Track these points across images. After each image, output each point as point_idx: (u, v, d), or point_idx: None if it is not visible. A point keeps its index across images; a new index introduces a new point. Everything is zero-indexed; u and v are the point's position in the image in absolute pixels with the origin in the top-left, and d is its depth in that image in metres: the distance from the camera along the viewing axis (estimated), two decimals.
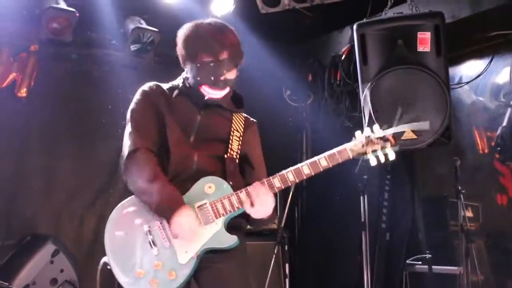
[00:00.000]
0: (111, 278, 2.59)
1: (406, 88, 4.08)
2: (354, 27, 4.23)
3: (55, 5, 4.70)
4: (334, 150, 2.57)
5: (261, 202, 2.53)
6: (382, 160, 2.57)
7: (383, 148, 2.55)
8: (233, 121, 2.81)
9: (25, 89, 4.99)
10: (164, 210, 2.52)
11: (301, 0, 4.88)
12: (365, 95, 4.08)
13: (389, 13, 4.38)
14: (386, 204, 5.44)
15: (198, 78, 2.67)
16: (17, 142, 5.04)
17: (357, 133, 2.59)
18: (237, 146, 2.74)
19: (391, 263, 5.34)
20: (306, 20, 5.68)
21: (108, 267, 2.59)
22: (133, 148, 2.64)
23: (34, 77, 5.04)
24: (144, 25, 5.11)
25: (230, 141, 2.74)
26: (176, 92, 2.78)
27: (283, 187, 2.59)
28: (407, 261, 5.05)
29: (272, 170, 2.98)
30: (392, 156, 2.57)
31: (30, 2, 4.83)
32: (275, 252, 4.98)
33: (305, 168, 2.56)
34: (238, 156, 2.74)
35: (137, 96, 2.80)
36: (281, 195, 5.30)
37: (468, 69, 5.27)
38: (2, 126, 4.88)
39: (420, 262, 4.87)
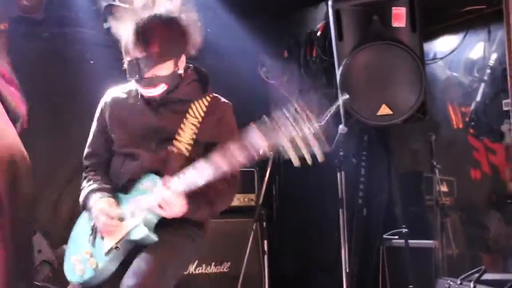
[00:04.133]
0: None
1: (381, 64, 4.10)
2: (329, 3, 4.22)
3: None
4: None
5: (167, 207, 2.51)
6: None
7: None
8: (190, 109, 2.72)
9: None
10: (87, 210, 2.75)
11: None
12: None
13: None
14: (363, 180, 5.48)
15: (128, 77, 2.66)
16: None
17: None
18: (189, 137, 2.66)
19: (368, 238, 5.40)
20: None
21: None
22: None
23: (4, 56, 4.94)
24: (117, 2, 5.02)
25: (178, 133, 2.66)
26: (129, 93, 2.83)
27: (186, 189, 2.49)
28: (384, 236, 5.11)
29: None
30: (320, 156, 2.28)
31: None
32: (253, 229, 4.99)
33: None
34: (188, 151, 2.65)
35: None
36: (258, 173, 5.31)
37: (442, 45, 5.30)
38: None
39: (396, 237, 4.93)
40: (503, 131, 4.65)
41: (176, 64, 2.66)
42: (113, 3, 4.98)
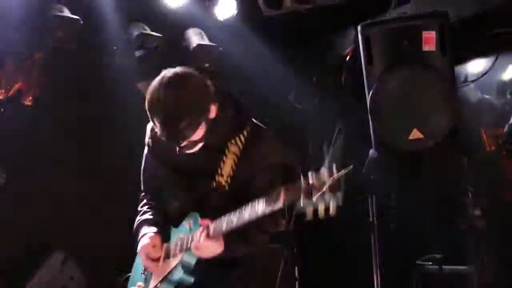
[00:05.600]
0: None
1: (412, 88, 4.08)
2: (359, 28, 4.22)
3: (59, 13, 4.69)
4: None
5: (201, 249, 2.52)
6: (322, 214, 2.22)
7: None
8: (227, 148, 2.62)
9: (31, 98, 5.00)
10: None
11: (304, 2, 4.87)
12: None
13: (393, 13, 4.37)
14: (394, 204, 5.42)
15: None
16: (24, 150, 5.05)
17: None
18: (228, 173, 2.60)
19: (401, 264, 5.32)
20: (309, 22, 5.67)
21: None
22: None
23: (40, 85, 5.04)
24: (148, 31, 5.11)
25: (219, 170, 2.60)
26: None
27: (224, 232, 2.48)
28: (417, 262, 5.03)
29: None
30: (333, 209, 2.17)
31: (34, 11, 4.82)
32: (284, 255, 4.96)
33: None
34: (228, 185, 2.61)
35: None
36: None
37: (473, 68, 5.26)
38: (9, 134, 4.89)
39: (430, 262, 4.85)
40: None
41: (206, 122, 2.48)
42: (144, 31, 5.07)
